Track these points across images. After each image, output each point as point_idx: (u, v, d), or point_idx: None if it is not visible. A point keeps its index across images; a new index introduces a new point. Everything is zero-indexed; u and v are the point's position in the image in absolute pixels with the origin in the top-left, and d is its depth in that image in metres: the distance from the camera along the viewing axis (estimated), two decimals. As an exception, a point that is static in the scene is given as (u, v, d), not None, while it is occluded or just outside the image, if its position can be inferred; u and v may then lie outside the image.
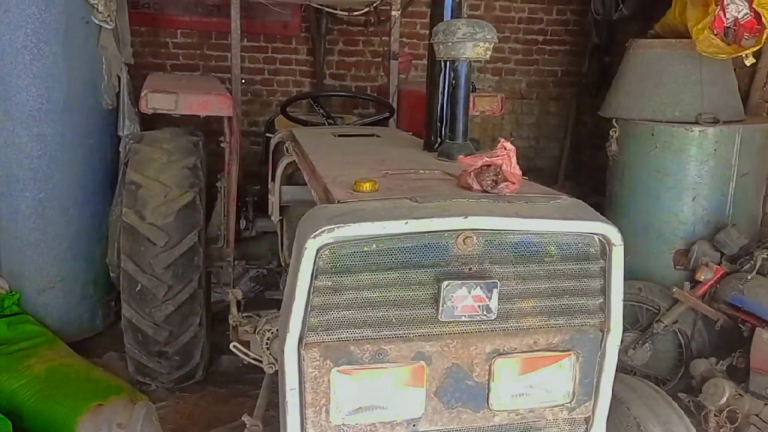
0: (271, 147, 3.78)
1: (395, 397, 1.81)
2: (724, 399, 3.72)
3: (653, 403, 2.41)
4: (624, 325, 4.31)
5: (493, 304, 1.78)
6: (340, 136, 3.31)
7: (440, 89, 2.69)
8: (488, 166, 1.88)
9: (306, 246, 1.67)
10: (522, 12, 7.18)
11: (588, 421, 1.98)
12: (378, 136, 3.31)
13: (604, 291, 1.92)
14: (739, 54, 4.15)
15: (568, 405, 1.94)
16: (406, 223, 1.72)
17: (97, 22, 4.37)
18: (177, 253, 3.89)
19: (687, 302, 4.15)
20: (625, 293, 4.45)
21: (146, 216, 3.92)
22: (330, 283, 1.72)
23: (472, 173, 1.91)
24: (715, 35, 4.18)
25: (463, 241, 1.78)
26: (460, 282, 1.75)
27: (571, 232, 1.85)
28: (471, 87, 2.60)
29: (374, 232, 1.71)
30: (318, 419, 1.78)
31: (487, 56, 2.46)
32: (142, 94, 3.83)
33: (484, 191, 1.91)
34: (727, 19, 4.17)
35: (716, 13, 4.15)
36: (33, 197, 4.32)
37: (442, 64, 2.63)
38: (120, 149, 4.64)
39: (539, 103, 7.47)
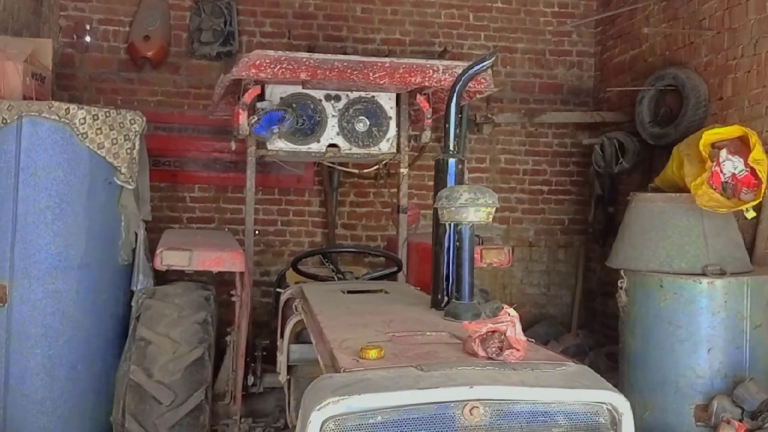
0: (281, 303, 3.82)
1: None
2: None
3: None
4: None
5: (502, 479, 1.73)
6: (348, 292, 3.34)
7: (445, 249, 2.76)
8: (493, 332, 1.89)
9: (310, 419, 1.66)
10: (526, 164, 7.45)
11: None
12: (386, 292, 3.34)
13: (617, 462, 1.86)
14: (740, 208, 4.25)
15: None
16: (412, 393, 1.71)
17: (119, 183, 4.57)
18: (183, 412, 3.83)
19: (712, 461, 3.98)
20: (647, 454, 4.28)
21: (154, 373, 3.90)
22: (335, 457, 1.68)
23: (477, 340, 1.92)
24: (714, 190, 4.31)
25: (470, 411, 1.76)
26: (467, 456, 1.71)
27: (579, 401, 1.82)
28: (475, 243, 2.66)
29: (379, 403, 1.70)
30: None
31: (489, 219, 2.54)
32: (158, 251, 3.94)
33: (490, 358, 1.90)
34: (725, 174, 4.31)
35: (713, 169, 4.30)
36: (43, 354, 4.31)
37: (447, 226, 2.71)
38: (132, 303, 4.69)
39: (548, 251, 7.56)
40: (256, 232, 5.46)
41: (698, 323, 4.36)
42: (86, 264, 4.46)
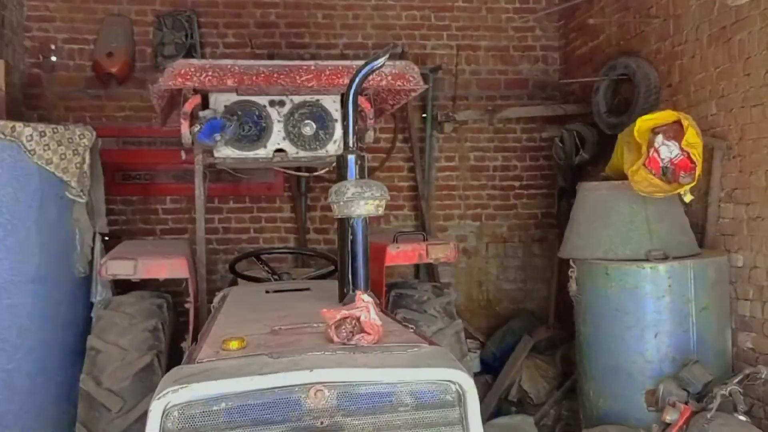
0: (213, 306, 3.89)
1: None
2: None
3: None
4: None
5: (346, 459, 1.78)
6: (274, 292, 3.40)
7: (346, 243, 2.80)
8: (346, 318, 1.94)
9: (151, 408, 1.72)
10: (496, 161, 7.48)
11: None
12: (309, 290, 3.40)
13: (465, 438, 1.90)
14: (677, 191, 4.26)
15: None
16: (252, 380, 1.76)
17: (71, 197, 4.67)
18: (132, 418, 3.89)
19: (658, 446, 3.98)
20: (598, 441, 4.29)
21: (103, 381, 3.98)
22: (179, 446, 1.74)
23: (333, 326, 1.97)
24: (654, 175, 4.33)
25: (315, 394, 1.81)
26: (308, 438, 1.76)
27: (424, 380, 1.87)
28: (368, 240, 2.70)
29: (220, 390, 1.76)
30: None
31: (379, 212, 2.60)
32: (102, 261, 4.02)
33: (344, 344, 1.96)
34: (663, 159, 4.33)
35: (650, 155, 4.32)
36: (1, 368, 4.40)
37: (345, 221, 2.77)
38: (92, 315, 4.78)
39: (523, 246, 7.58)
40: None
41: (644, 309, 4.38)
42: (41, 278, 4.56)
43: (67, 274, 4.74)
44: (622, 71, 5.80)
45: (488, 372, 6.71)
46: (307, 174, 5.56)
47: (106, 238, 5.32)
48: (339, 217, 2.65)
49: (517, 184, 7.53)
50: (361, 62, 4.45)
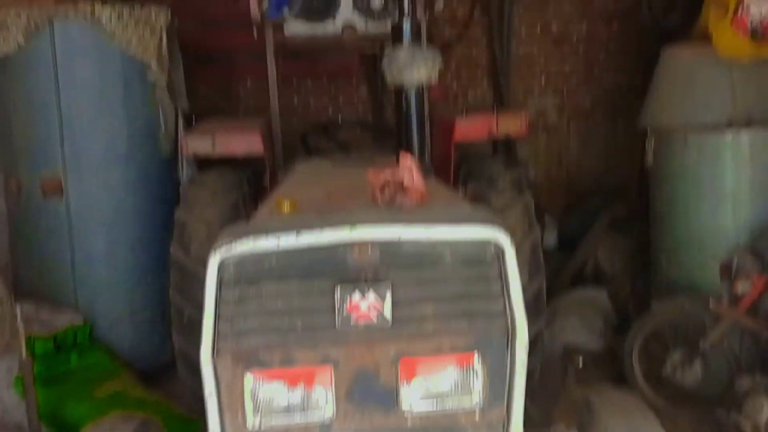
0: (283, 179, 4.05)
1: (306, 400, 1.96)
2: (763, 417, 3.52)
3: (629, 414, 2.37)
4: (671, 344, 4.20)
5: (387, 307, 1.90)
6: (339, 164, 3.51)
7: (403, 113, 2.84)
8: (389, 181, 2.01)
9: (208, 261, 1.89)
10: (581, 30, 7.12)
11: (504, 425, 2.03)
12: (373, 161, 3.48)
13: (505, 294, 1.98)
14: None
15: (481, 408, 2.00)
16: (299, 236, 1.89)
17: (151, 77, 4.85)
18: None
19: (728, 317, 3.96)
20: (668, 310, 4.34)
21: (191, 251, 4.28)
22: (236, 294, 1.91)
23: (377, 189, 2.05)
24: (742, 36, 4.05)
25: (358, 251, 1.92)
26: (352, 286, 1.89)
27: (462, 238, 1.94)
28: (423, 108, 2.72)
29: (269, 245, 1.89)
30: (235, 422, 1.96)
31: (433, 80, 2.60)
32: (181, 139, 4.23)
33: (387, 205, 2.04)
34: (752, 18, 4.03)
35: (739, 13, 4.03)
36: (103, 240, 4.81)
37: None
38: (180, 192, 5.08)
39: (606, 121, 7.33)
40: None
41: (723, 178, 4.25)
42: (132, 157, 4.84)
43: (155, 152, 5.00)
44: None
45: (566, 248, 6.73)
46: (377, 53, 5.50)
47: (193, 120, 5.54)
48: (392, 86, 2.66)
49: (602, 54, 7.18)
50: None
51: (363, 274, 1.93)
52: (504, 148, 7.03)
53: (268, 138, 4.57)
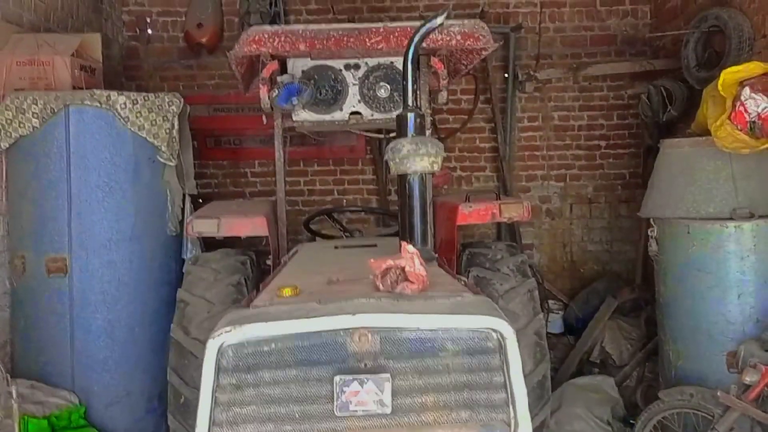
0: (283, 260, 4.07)
1: (303, 491, 1.91)
2: None
3: None
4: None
5: (386, 397, 1.88)
6: (341, 248, 3.53)
7: (406, 201, 2.88)
8: (391, 267, 2.03)
9: (207, 346, 1.88)
10: (581, 120, 7.31)
11: None
12: (375, 246, 3.51)
13: (507, 385, 1.96)
14: (765, 147, 4.06)
15: (483, 504, 1.95)
16: (300, 322, 1.89)
17: (162, 160, 4.96)
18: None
19: (737, 408, 3.88)
20: (676, 400, 4.26)
21: (191, 331, 4.26)
22: (234, 381, 1.90)
23: (379, 275, 2.06)
24: (740, 131, 4.14)
25: (359, 338, 1.92)
26: (351, 376, 1.87)
27: (464, 328, 1.93)
28: (426, 196, 2.76)
29: (270, 332, 1.89)
30: None
31: (435, 168, 2.65)
32: (188, 221, 4.28)
33: (389, 292, 2.05)
34: (750, 114, 4.13)
35: (737, 109, 4.13)
36: (103, 318, 4.79)
37: (404, 178, 2.83)
38: (183, 271, 5.10)
39: (608, 207, 7.41)
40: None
41: (727, 269, 4.24)
42: (137, 236, 4.89)
43: (160, 232, 5.06)
44: (713, 23, 5.50)
45: (571, 333, 6.67)
46: (384, 136, 5.65)
47: (200, 201, 5.63)
48: (395, 173, 2.71)
49: (603, 143, 7.34)
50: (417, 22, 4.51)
51: (363, 362, 1.92)
52: (508, 232, 7.10)
53: (272, 221, 4.63)
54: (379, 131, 5.69)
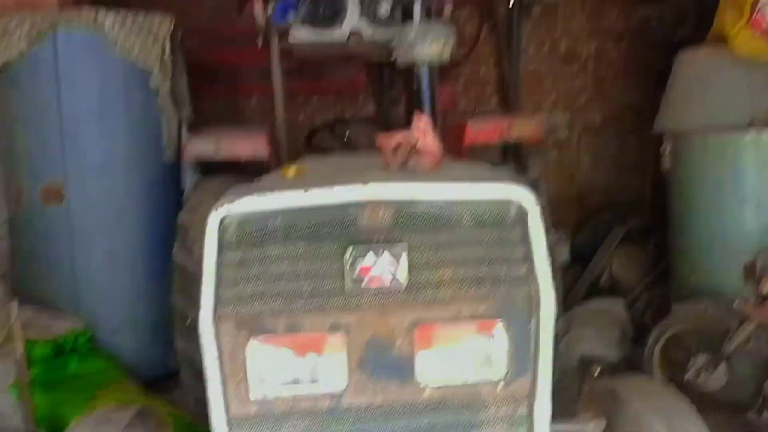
0: None
1: (315, 370, 1.82)
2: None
3: (657, 398, 2.21)
4: (694, 348, 4.03)
5: (402, 271, 1.77)
6: (348, 157, 3.40)
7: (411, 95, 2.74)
8: (402, 142, 1.90)
9: (208, 220, 1.76)
10: (590, 47, 7.07)
11: (530, 398, 1.87)
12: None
13: (528, 259, 1.84)
14: (786, 51, 3.90)
15: (504, 380, 1.85)
16: (305, 193, 1.76)
17: (153, 85, 4.78)
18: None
19: (754, 319, 3.80)
20: (690, 314, 4.18)
21: (194, 254, 4.16)
22: (238, 257, 1.78)
23: (389, 152, 1.93)
24: (759, 37, 3.97)
25: (370, 213, 1.79)
26: (365, 247, 1.76)
27: (482, 199, 1.81)
28: (434, 89, 2.61)
29: (275, 204, 1.77)
30: (238, 393, 1.81)
31: (445, 57, 2.49)
32: (184, 142, 4.14)
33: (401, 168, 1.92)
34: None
35: (755, 14, 3.96)
36: (103, 249, 4.69)
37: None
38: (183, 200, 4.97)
39: (617, 137, 7.23)
40: None
41: (744, 179, 4.12)
42: (133, 163, 4.75)
43: (157, 159, 4.89)
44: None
45: (578, 262, 6.57)
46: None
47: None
48: (402, 64, 2.55)
49: (611, 71, 7.11)
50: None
51: (375, 237, 1.80)
52: (514, 161, 6.94)
53: (273, 144, 4.49)
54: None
